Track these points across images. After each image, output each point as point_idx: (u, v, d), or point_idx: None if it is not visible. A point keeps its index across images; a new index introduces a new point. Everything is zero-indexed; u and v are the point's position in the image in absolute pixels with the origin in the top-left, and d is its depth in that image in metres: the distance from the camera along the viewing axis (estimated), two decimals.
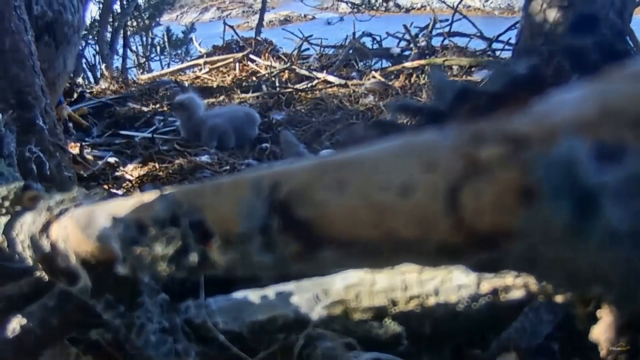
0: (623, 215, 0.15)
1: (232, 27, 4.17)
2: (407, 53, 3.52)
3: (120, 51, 5.11)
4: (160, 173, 1.88)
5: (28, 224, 0.55)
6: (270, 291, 0.65)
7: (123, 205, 0.40)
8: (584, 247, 0.16)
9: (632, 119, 0.18)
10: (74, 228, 0.48)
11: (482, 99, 0.25)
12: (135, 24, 5.42)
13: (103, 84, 3.14)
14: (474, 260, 0.24)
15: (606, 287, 0.19)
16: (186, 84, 3.08)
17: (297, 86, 2.88)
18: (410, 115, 0.28)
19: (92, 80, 4.23)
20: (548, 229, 0.17)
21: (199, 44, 4.70)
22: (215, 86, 3.01)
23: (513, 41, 2.13)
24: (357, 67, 3.30)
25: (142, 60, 5.41)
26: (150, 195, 0.37)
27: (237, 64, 3.25)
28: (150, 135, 2.20)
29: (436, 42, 3.68)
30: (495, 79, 0.25)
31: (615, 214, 0.15)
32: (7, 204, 0.61)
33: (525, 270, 0.22)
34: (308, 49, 3.94)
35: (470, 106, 0.25)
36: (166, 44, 5.31)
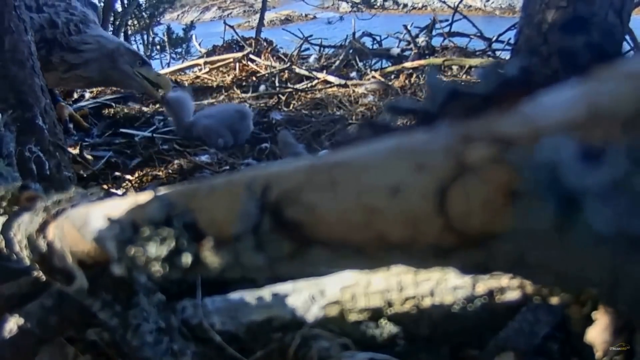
0: (607, 218, 0.15)
1: (232, 27, 4.16)
2: (407, 53, 3.52)
3: None
4: (160, 173, 1.88)
5: (25, 223, 0.55)
6: (267, 292, 0.65)
7: (118, 206, 0.40)
8: (569, 249, 0.16)
9: (620, 120, 0.18)
10: (70, 228, 0.48)
11: (473, 100, 0.25)
12: (136, 23, 5.42)
13: None
14: (464, 261, 0.24)
15: (593, 287, 0.19)
16: (186, 83, 3.08)
17: (297, 86, 2.88)
18: (402, 116, 0.28)
19: None
20: (534, 230, 0.17)
21: (199, 44, 4.70)
22: (215, 86, 3.01)
23: (513, 41, 2.13)
24: (356, 67, 3.29)
25: None
26: (145, 196, 0.37)
27: (237, 64, 3.25)
28: (150, 134, 2.20)
29: (436, 42, 3.68)
30: (486, 80, 0.25)
31: (599, 216, 0.15)
32: (4, 204, 0.61)
33: (515, 271, 0.22)
34: (308, 48, 3.94)
35: (461, 107, 0.25)
36: (166, 43, 5.31)
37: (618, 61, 0.22)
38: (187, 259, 0.32)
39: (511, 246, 0.19)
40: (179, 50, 5.47)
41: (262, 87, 2.91)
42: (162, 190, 0.37)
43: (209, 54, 3.83)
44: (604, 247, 0.15)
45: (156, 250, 0.33)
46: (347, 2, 5.49)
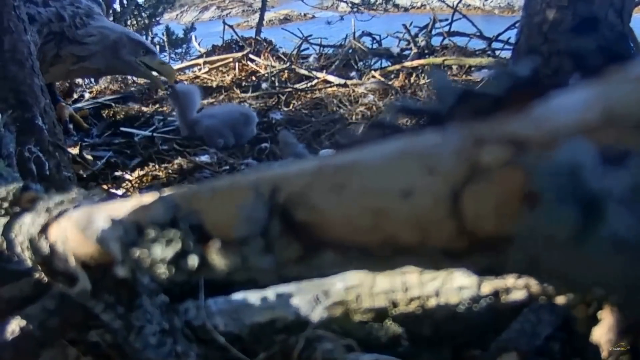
0: (630, 222, 0.14)
1: (231, 26, 4.15)
2: (406, 53, 3.52)
3: None
4: (160, 173, 1.88)
5: (27, 225, 0.55)
6: (270, 293, 0.65)
7: (122, 207, 0.40)
8: (587, 253, 0.16)
9: (636, 123, 0.18)
10: (72, 230, 0.48)
11: (483, 101, 0.24)
12: (135, 22, 5.41)
13: (103, 84, 3.14)
14: (476, 264, 0.23)
15: (608, 292, 0.18)
16: (185, 83, 3.07)
17: (297, 86, 2.88)
18: (411, 117, 0.28)
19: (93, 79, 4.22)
20: (550, 234, 0.17)
21: (199, 44, 4.69)
22: (214, 86, 3.01)
23: (513, 41, 2.13)
24: (356, 67, 3.29)
25: None
26: (149, 198, 0.37)
27: (237, 64, 3.25)
28: (149, 134, 2.19)
29: (436, 41, 3.68)
30: (496, 80, 0.25)
31: (622, 221, 0.14)
32: (6, 205, 0.60)
33: (527, 274, 0.22)
34: (307, 48, 3.93)
35: (471, 108, 0.25)
36: (165, 43, 5.30)
37: (630, 63, 0.21)
38: (193, 261, 0.32)
39: (525, 250, 0.19)
40: (179, 50, 5.46)
41: (261, 87, 2.90)
42: (167, 192, 0.36)
43: (208, 53, 3.82)
44: (625, 252, 0.15)
45: (162, 252, 0.33)
46: (347, 3, 5.48)
